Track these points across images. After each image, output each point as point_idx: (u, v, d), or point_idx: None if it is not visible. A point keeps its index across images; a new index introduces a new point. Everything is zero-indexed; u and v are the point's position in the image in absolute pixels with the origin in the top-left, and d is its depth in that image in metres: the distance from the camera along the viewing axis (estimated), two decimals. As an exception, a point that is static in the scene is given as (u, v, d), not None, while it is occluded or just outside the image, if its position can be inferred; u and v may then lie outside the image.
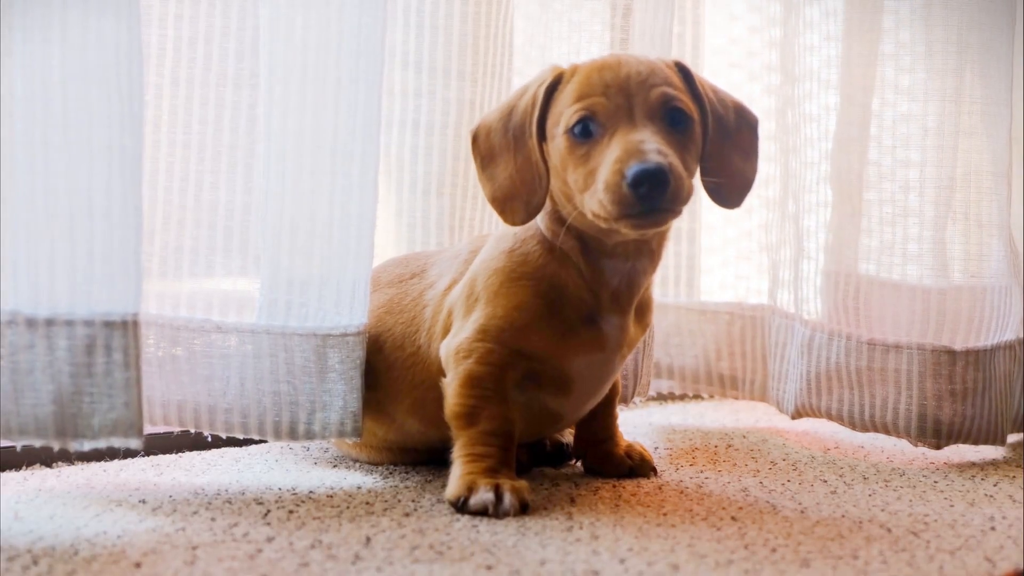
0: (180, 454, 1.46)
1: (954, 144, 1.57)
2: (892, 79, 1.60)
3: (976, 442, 1.55)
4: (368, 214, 1.31)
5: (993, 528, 1.18)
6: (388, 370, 1.34)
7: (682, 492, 1.32)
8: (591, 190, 1.16)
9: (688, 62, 1.39)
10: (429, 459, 1.41)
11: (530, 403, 1.29)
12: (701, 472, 1.43)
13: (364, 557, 1.03)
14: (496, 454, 1.23)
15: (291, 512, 1.19)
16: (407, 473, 1.39)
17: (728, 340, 1.83)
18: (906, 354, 1.55)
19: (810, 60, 1.64)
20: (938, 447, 1.55)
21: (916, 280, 1.59)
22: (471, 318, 1.25)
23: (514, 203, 1.23)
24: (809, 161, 1.65)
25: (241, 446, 1.51)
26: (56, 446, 1.13)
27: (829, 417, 1.61)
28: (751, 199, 1.84)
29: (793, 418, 1.66)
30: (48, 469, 1.36)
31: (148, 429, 1.42)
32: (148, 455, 1.45)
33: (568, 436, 1.48)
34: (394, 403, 1.35)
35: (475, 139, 1.27)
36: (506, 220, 1.25)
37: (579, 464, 1.44)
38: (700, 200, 1.79)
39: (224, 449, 1.50)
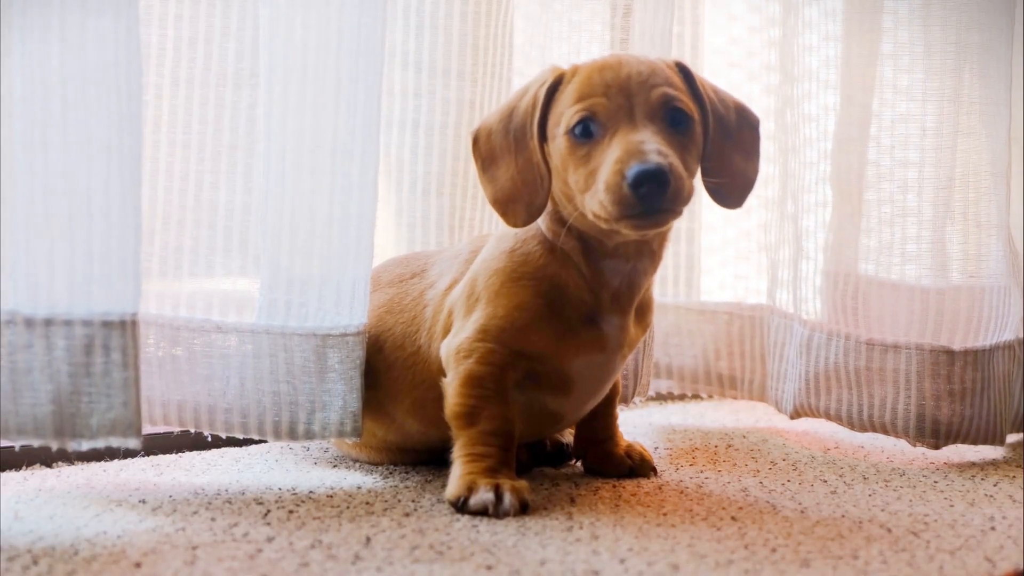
0: (180, 454, 1.46)
1: (952, 144, 1.57)
2: (891, 79, 1.60)
3: (975, 442, 1.55)
4: (368, 214, 1.31)
5: (993, 528, 1.19)
6: (388, 370, 1.34)
7: (682, 492, 1.32)
8: (592, 190, 1.16)
9: (688, 62, 1.39)
10: (429, 459, 1.41)
11: (530, 403, 1.29)
12: (701, 472, 1.43)
13: (364, 557, 1.03)
14: (496, 454, 1.23)
15: (291, 512, 1.19)
16: (407, 473, 1.39)
17: (727, 340, 1.83)
18: (905, 354, 1.55)
19: (809, 60, 1.65)
20: (936, 447, 1.55)
21: (915, 280, 1.59)
22: (472, 318, 1.25)
23: (516, 205, 1.23)
24: (808, 161, 1.65)
25: (241, 446, 1.51)
26: (54, 446, 1.13)
27: (828, 417, 1.62)
28: (750, 199, 1.84)
29: (792, 418, 1.66)
30: (48, 469, 1.36)
31: (148, 429, 1.42)
32: (148, 455, 1.45)
33: (568, 436, 1.48)
34: (394, 403, 1.35)
35: (476, 141, 1.27)
36: (508, 222, 1.25)
37: (579, 464, 1.44)
38: (700, 200, 1.79)
39: (224, 449, 1.50)
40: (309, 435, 1.31)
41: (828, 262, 1.65)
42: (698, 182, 1.25)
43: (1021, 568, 1.04)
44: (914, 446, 1.56)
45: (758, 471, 1.44)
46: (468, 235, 1.62)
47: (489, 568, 1.01)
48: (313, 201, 1.30)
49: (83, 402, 1.13)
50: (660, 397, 1.99)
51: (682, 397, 2.02)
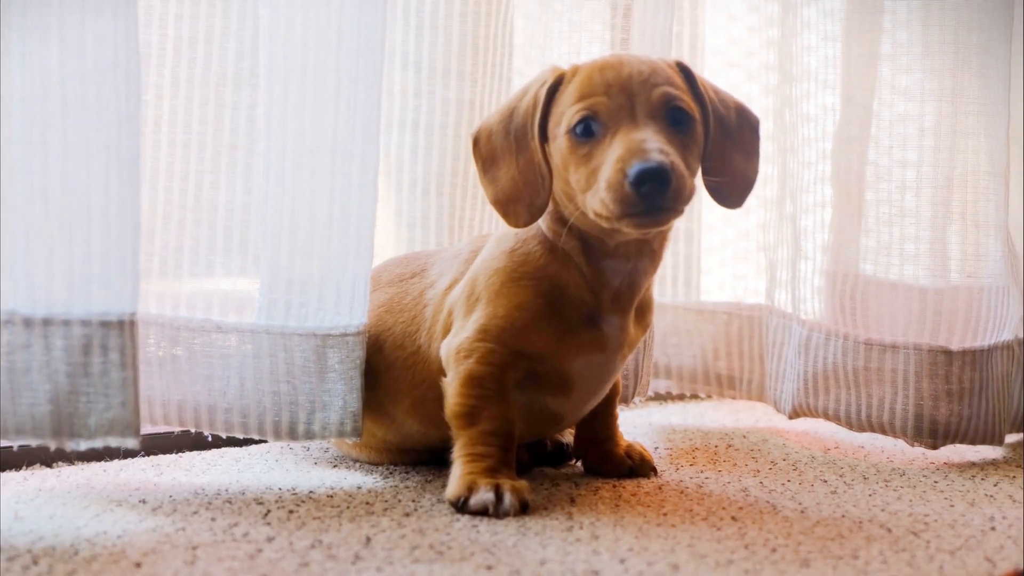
0: (180, 454, 1.46)
1: (951, 144, 1.57)
2: (889, 79, 1.60)
3: (973, 442, 1.55)
4: (368, 214, 1.31)
5: (993, 528, 1.19)
6: (388, 370, 1.34)
7: (682, 492, 1.32)
8: (593, 189, 1.16)
9: (687, 62, 1.39)
10: (429, 459, 1.41)
11: (530, 403, 1.29)
12: (701, 472, 1.43)
13: (364, 557, 1.03)
14: (496, 454, 1.23)
15: (291, 512, 1.19)
16: (407, 473, 1.39)
17: (726, 340, 1.83)
18: (903, 354, 1.55)
19: (808, 60, 1.65)
20: (934, 447, 1.55)
21: (913, 280, 1.59)
22: (472, 318, 1.25)
23: (517, 205, 1.23)
24: (807, 161, 1.65)
25: (241, 446, 1.51)
26: (52, 446, 1.13)
27: (826, 417, 1.62)
28: (749, 199, 1.84)
29: (790, 418, 1.66)
30: (48, 469, 1.36)
31: (148, 429, 1.42)
32: (148, 455, 1.45)
33: (568, 436, 1.48)
34: (394, 403, 1.35)
35: (476, 142, 1.27)
36: (509, 222, 1.24)
37: (579, 464, 1.44)
38: (699, 200, 1.79)
39: (224, 449, 1.50)
40: (309, 435, 1.31)
41: (829, 262, 1.65)
42: (698, 182, 1.25)
43: (1021, 568, 1.04)
44: (912, 446, 1.57)
45: (758, 471, 1.44)
46: (468, 235, 1.62)
47: (489, 568, 1.01)
48: (313, 201, 1.30)
49: (81, 402, 1.13)
50: (659, 397, 1.99)
51: (681, 397, 2.02)
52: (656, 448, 1.57)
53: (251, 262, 1.34)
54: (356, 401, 1.31)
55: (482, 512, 1.18)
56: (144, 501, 1.22)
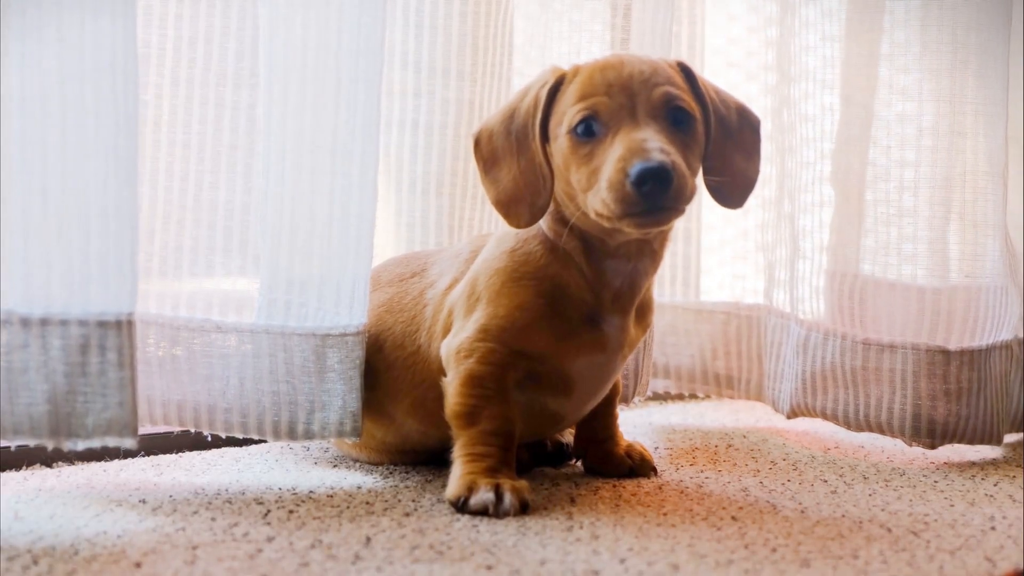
0: (180, 454, 1.46)
1: (949, 144, 1.57)
2: (887, 78, 1.60)
3: (971, 442, 1.55)
4: (368, 214, 1.31)
5: (993, 528, 1.19)
6: (388, 369, 1.34)
7: (682, 492, 1.32)
8: (594, 189, 1.16)
9: (687, 62, 1.39)
10: (429, 459, 1.41)
11: (531, 403, 1.29)
12: (701, 472, 1.43)
13: (364, 557, 1.03)
14: (496, 454, 1.23)
15: (291, 512, 1.19)
16: (407, 473, 1.39)
17: (724, 340, 1.83)
18: (900, 354, 1.55)
19: (808, 60, 1.64)
20: (932, 447, 1.55)
21: (911, 280, 1.59)
22: (472, 317, 1.25)
23: (519, 206, 1.23)
24: (806, 161, 1.65)
25: (241, 446, 1.51)
26: (50, 446, 1.13)
27: (824, 417, 1.62)
28: (749, 199, 1.85)
29: (788, 417, 1.66)
30: (48, 469, 1.36)
31: (148, 429, 1.42)
32: (148, 455, 1.45)
33: (568, 436, 1.48)
34: (394, 403, 1.35)
35: (477, 143, 1.27)
36: (511, 223, 1.24)
37: (579, 464, 1.44)
38: (699, 200, 1.79)
39: (224, 449, 1.50)
40: (309, 435, 1.31)
41: (828, 262, 1.65)
42: (699, 182, 1.25)
43: (1021, 568, 1.04)
44: (910, 446, 1.57)
45: (758, 471, 1.44)
46: (468, 235, 1.62)
47: (489, 568, 1.01)
48: (313, 201, 1.30)
49: (79, 402, 1.13)
50: (658, 397, 1.99)
51: (680, 397, 2.02)
52: (656, 448, 1.57)
53: (251, 262, 1.34)
54: (356, 401, 1.31)
55: (482, 512, 1.18)
56: (144, 501, 1.22)
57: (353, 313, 1.31)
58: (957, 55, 1.56)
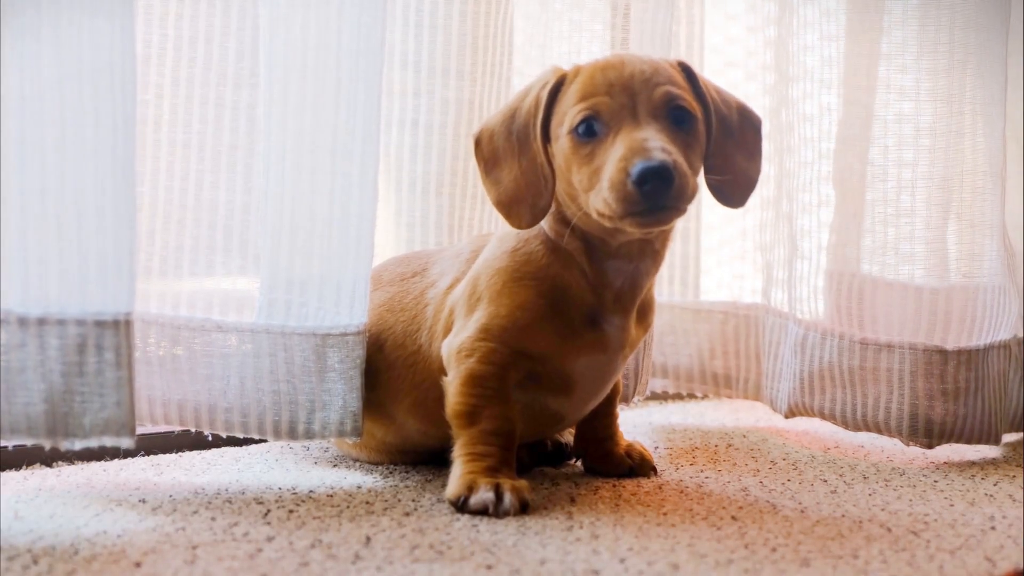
0: (180, 454, 1.46)
1: (947, 144, 1.57)
2: (885, 78, 1.60)
3: (969, 442, 1.55)
4: (368, 214, 1.31)
5: (993, 527, 1.18)
6: (389, 369, 1.34)
7: (682, 492, 1.32)
8: (596, 189, 1.16)
9: (688, 61, 1.39)
10: (429, 459, 1.41)
11: (531, 403, 1.29)
12: (701, 472, 1.43)
13: (364, 557, 1.03)
14: (497, 453, 1.23)
15: (291, 512, 1.19)
16: (407, 473, 1.39)
17: (722, 339, 1.83)
18: (898, 353, 1.55)
19: (807, 59, 1.64)
20: (930, 446, 1.55)
21: (909, 279, 1.59)
22: (473, 317, 1.25)
23: (520, 206, 1.23)
24: (805, 161, 1.65)
25: (241, 446, 1.51)
26: (47, 445, 1.13)
27: (822, 416, 1.62)
28: (750, 198, 1.85)
29: (786, 417, 1.66)
30: (48, 469, 1.36)
31: (149, 428, 1.42)
32: (148, 455, 1.45)
33: (568, 436, 1.47)
34: (394, 402, 1.35)
35: (478, 143, 1.27)
36: (512, 224, 1.24)
37: (579, 463, 1.44)
38: (698, 200, 1.79)
39: (224, 449, 1.50)
40: (309, 435, 1.31)
41: (828, 261, 1.65)
42: (701, 181, 1.25)
43: (1021, 568, 1.04)
44: (907, 445, 1.57)
45: (758, 471, 1.44)
46: (468, 235, 1.62)
47: (489, 568, 1.01)
48: (313, 201, 1.30)
49: (76, 401, 1.13)
50: (656, 396, 1.99)
51: (679, 396, 2.02)
52: (656, 448, 1.57)
53: (251, 262, 1.34)
54: (356, 401, 1.31)
55: (482, 511, 1.18)
56: (144, 501, 1.22)
57: (354, 313, 1.31)
58: (955, 55, 1.56)
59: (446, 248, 1.44)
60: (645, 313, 1.33)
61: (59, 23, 1.12)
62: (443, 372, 1.27)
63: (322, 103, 1.29)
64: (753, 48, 1.86)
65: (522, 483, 1.22)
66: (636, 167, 1.11)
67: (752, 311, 1.81)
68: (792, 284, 1.67)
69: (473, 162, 1.28)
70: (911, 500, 1.30)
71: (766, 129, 1.73)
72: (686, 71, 1.25)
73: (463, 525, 1.14)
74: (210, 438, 1.47)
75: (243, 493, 1.26)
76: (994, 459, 1.56)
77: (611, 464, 1.40)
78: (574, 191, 1.20)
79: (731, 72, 1.88)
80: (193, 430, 1.33)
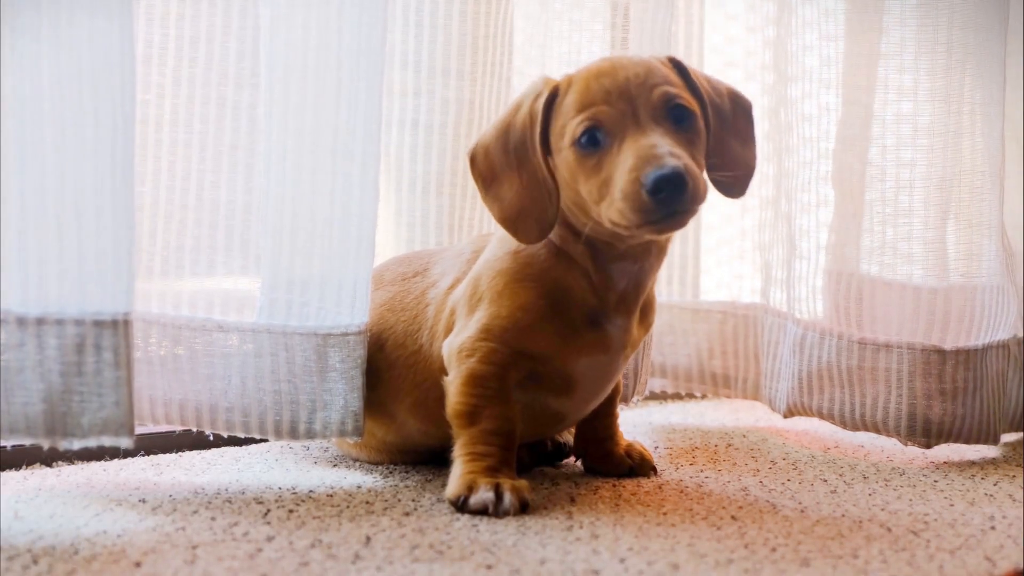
0: (180, 454, 1.46)
1: (946, 144, 1.57)
2: (885, 78, 1.60)
3: (967, 441, 1.55)
4: (369, 213, 1.31)
5: (993, 527, 1.19)
6: (390, 368, 1.34)
7: (682, 491, 1.32)
8: (608, 200, 1.15)
9: (686, 61, 1.39)
10: (429, 459, 1.41)
11: (532, 403, 1.29)
12: (701, 471, 1.43)
13: (364, 556, 1.03)
14: (497, 453, 1.23)
15: (291, 511, 1.19)
16: (407, 472, 1.39)
17: (721, 339, 1.83)
18: (896, 353, 1.55)
19: (806, 59, 1.64)
20: (928, 446, 1.55)
21: (907, 279, 1.59)
22: (474, 317, 1.25)
23: (526, 221, 1.22)
24: (805, 160, 1.65)
25: (241, 445, 1.51)
26: (45, 445, 1.13)
27: (820, 416, 1.62)
28: (747, 198, 1.85)
29: (785, 417, 1.66)
30: (48, 468, 1.36)
31: (149, 428, 1.42)
32: (148, 455, 1.45)
33: (567, 436, 1.47)
34: (395, 402, 1.35)
35: (473, 161, 1.26)
36: (520, 239, 1.23)
37: (579, 463, 1.44)
38: (700, 199, 1.79)
39: (224, 448, 1.49)
40: (310, 434, 1.31)
41: (828, 261, 1.65)
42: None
43: (1021, 567, 1.04)
44: (905, 445, 1.57)
45: (758, 470, 1.44)
46: (468, 235, 1.62)
47: (489, 567, 1.01)
48: (314, 201, 1.30)
49: (74, 401, 1.13)
50: (655, 396, 1.99)
51: (678, 396, 2.02)
52: (656, 447, 1.57)
53: (252, 261, 1.34)
54: (357, 401, 1.31)
55: (482, 511, 1.18)
56: (144, 500, 1.22)
57: (355, 313, 1.31)
58: (954, 55, 1.56)
59: (448, 248, 1.44)
60: (647, 312, 1.33)
61: (59, 23, 1.12)
62: (444, 372, 1.27)
63: (323, 103, 1.29)
64: (752, 48, 1.85)
65: (522, 483, 1.22)
66: (649, 176, 1.11)
67: (751, 311, 1.81)
68: (791, 284, 1.67)
69: (474, 183, 1.27)
70: (911, 500, 1.30)
71: (765, 129, 1.74)
72: (677, 66, 1.25)
73: (463, 525, 1.14)
74: (211, 438, 1.47)
75: (243, 493, 1.26)
76: (994, 459, 1.57)
77: (611, 464, 1.40)
78: (582, 201, 1.19)
79: (731, 72, 1.88)
80: (194, 430, 1.33)
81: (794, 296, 1.66)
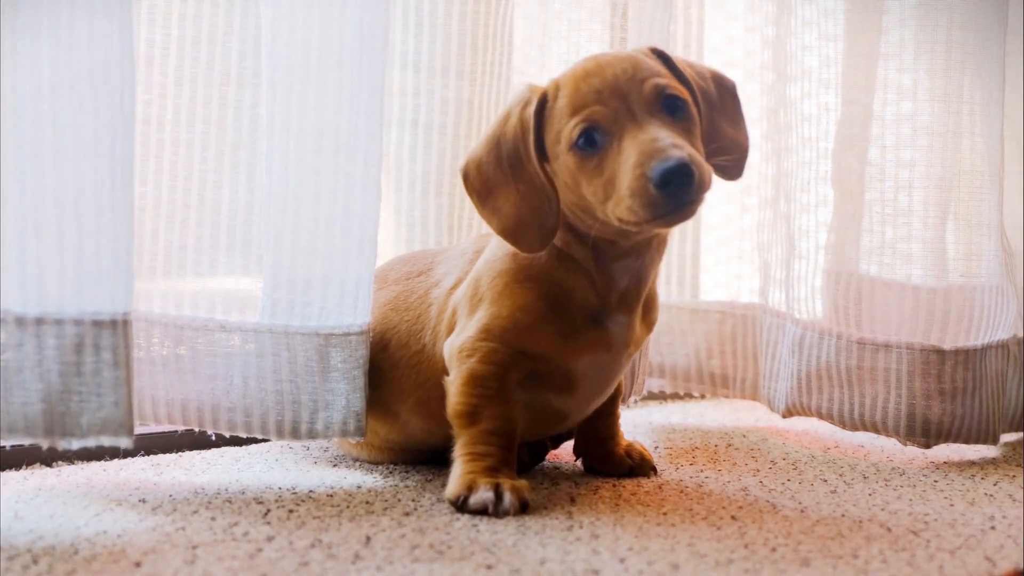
0: (180, 454, 1.46)
1: (945, 144, 1.57)
2: (884, 78, 1.60)
3: (966, 441, 1.55)
4: (371, 213, 1.31)
5: (993, 527, 1.19)
6: (393, 368, 1.34)
7: (682, 491, 1.32)
8: (614, 199, 1.14)
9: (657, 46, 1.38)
10: (430, 459, 1.41)
11: (534, 402, 1.29)
12: (701, 471, 1.43)
13: (364, 556, 1.03)
14: (497, 453, 1.23)
15: (291, 511, 1.19)
16: (407, 472, 1.39)
17: (719, 339, 1.83)
18: (895, 353, 1.55)
19: (806, 59, 1.64)
20: (927, 446, 1.55)
21: (906, 279, 1.59)
22: (475, 317, 1.25)
23: (527, 231, 1.22)
24: (804, 160, 1.65)
25: (240, 445, 1.51)
26: (44, 445, 1.13)
27: (819, 416, 1.62)
28: (746, 198, 1.85)
29: (784, 417, 1.67)
30: (48, 468, 1.36)
31: (151, 428, 1.42)
32: (148, 455, 1.45)
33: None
34: (398, 401, 1.35)
35: (466, 177, 1.25)
36: (523, 249, 1.23)
37: (579, 463, 1.44)
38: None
39: (224, 448, 1.49)
40: (312, 435, 1.31)
41: (828, 261, 1.65)
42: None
43: (1021, 567, 1.04)
44: (904, 445, 1.57)
45: (758, 470, 1.44)
46: (468, 235, 1.62)
47: (489, 567, 1.01)
48: (316, 200, 1.30)
49: (73, 401, 1.13)
50: (654, 396, 1.99)
51: (676, 396, 2.02)
52: (656, 447, 1.57)
53: (254, 261, 1.34)
54: (359, 401, 1.31)
55: (482, 511, 1.18)
56: (144, 500, 1.22)
57: (357, 313, 1.31)
58: (953, 55, 1.56)
59: (451, 247, 1.44)
60: (649, 310, 1.33)
61: (59, 23, 1.12)
62: (446, 372, 1.27)
63: (325, 102, 1.28)
64: (752, 48, 1.85)
65: (522, 483, 1.22)
66: (655, 170, 1.10)
67: (750, 311, 1.81)
68: (790, 284, 1.67)
69: (469, 199, 1.27)
70: (911, 500, 1.30)
71: (765, 129, 1.74)
72: (660, 56, 1.24)
73: (463, 525, 1.14)
74: (213, 437, 1.47)
75: (243, 493, 1.26)
76: (994, 459, 1.57)
77: (611, 464, 1.40)
78: (586, 204, 1.19)
79: (730, 72, 1.87)
80: (197, 430, 1.33)
81: (793, 296, 1.66)
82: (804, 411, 1.63)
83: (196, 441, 1.48)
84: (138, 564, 1.00)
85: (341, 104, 1.29)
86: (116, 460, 1.41)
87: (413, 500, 1.25)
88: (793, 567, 1.03)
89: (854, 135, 1.62)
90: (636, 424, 1.75)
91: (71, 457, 1.39)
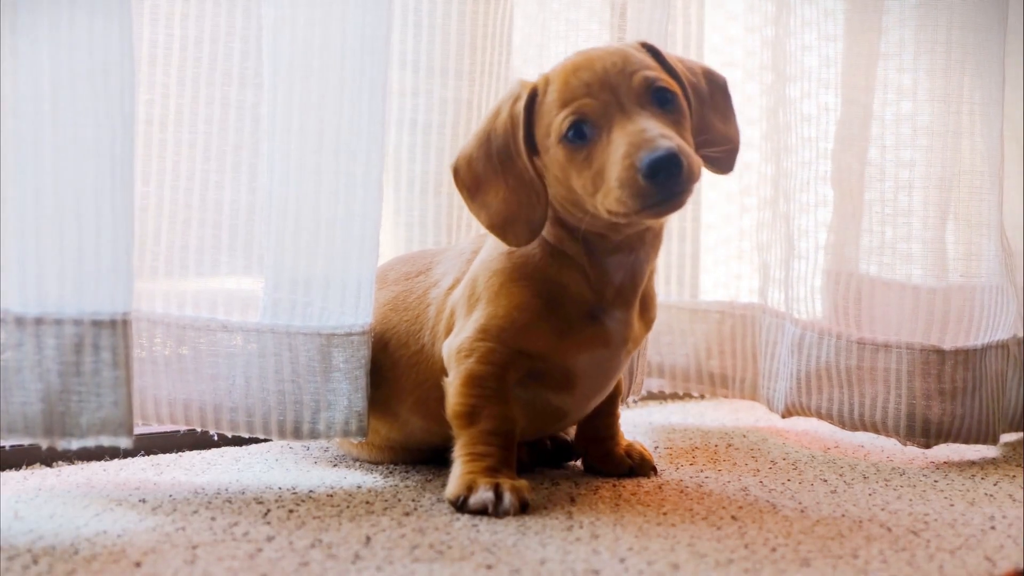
0: (180, 454, 1.46)
1: (944, 144, 1.57)
2: (884, 78, 1.60)
3: (966, 441, 1.55)
4: (372, 213, 1.31)
5: (993, 527, 1.19)
6: (393, 367, 1.34)
7: (682, 491, 1.32)
8: (603, 190, 1.15)
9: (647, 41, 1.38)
10: (430, 458, 1.41)
11: (533, 400, 1.29)
12: (701, 471, 1.43)
13: (364, 556, 1.03)
14: (496, 453, 1.23)
15: (291, 511, 1.19)
16: (407, 472, 1.39)
17: (719, 339, 1.83)
18: (895, 353, 1.55)
19: (805, 59, 1.64)
20: (927, 446, 1.55)
21: (906, 279, 1.59)
22: (472, 318, 1.25)
23: (515, 225, 1.22)
24: (804, 160, 1.65)
25: (241, 445, 1.51)
26: (44, 445, 1.13)
27: (819, 416, 1.62)
28: (746, 198, 1.85)
29: (783, 416, 1.67)
30: (48, 468, 1.36)
31: (152, 428, 1.42)
32: (148, 454, 1.45)
33: (570, 434, 1.47)
34: (398, 401, 1.35)
35: (456, 172, 1.25)
36: (510, 243, 1.23)
37: (579, 463, 1.44)
38: (697, 200, 1.79)
39: (224, 448, 1.49)
40: (314, 435, 1.31)
41: (828, 261, 1.65)
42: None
43: (1021, 567, 1.04)
44: (904, 445, 1.57)
45: (758, 470, 1.44)
46: (466, 234, 1.62)
47: (489, 567, 1.01)
48: (318, 200, 1.30)
49: (73, 401, 1.13)
50: (655, 396, 1.99)
51: (677, 396, 2.02)
52: (656, 447, 1.57)
53: (256, 261, 1.34)
54: (361, 401, 1.31)
55: (482, 511, 1.18)
56: (144, 500, 1.22)
57: (358, 313, 1.31)
58: (953, 55, 1.57)
59: (450, 247, 1.44)
60: (647, 307, 1.33)
61: (59, 23, 1.12)
62: (445, 371, 1.27)
63: (326, 103, 1.29)
64: (752, 48, 1.85)
65: (522, 483, 1.22)
66: (644, 160, 1.11)
67: (749, 311, 1.81)
68: (789, 284, 1.67)
69: (460, 195, 1.27)
70: (911, 500, 1.31)
71: (764, 129, 1.74)
72: (651, 50, 1.25)
73: (463, 525, 1.14)
74: (215, 438, 1.47)
75: (243, 493, 1.26)
76: (994, 459, 1.57)
77: (611, 464, 1.40)
78: (576, 197, 1.19)
79: (730, 72, 1.87)
80: (199, 429, 1.32)
81: (792, 296, 1.66)
82: (804, 411, 1.63)
83: (196, 441, 1.48)
84: (138, 564, 1.00)
85: (342, 104, 1.29)
86: (116, 460, 1.41)
87: (413, 500, 1.25)
88: (793, 567, 1.03)
89: (854, 135, 1.62)
90: (636, 424, 1.75)
91: (71, 457, 1.39)
